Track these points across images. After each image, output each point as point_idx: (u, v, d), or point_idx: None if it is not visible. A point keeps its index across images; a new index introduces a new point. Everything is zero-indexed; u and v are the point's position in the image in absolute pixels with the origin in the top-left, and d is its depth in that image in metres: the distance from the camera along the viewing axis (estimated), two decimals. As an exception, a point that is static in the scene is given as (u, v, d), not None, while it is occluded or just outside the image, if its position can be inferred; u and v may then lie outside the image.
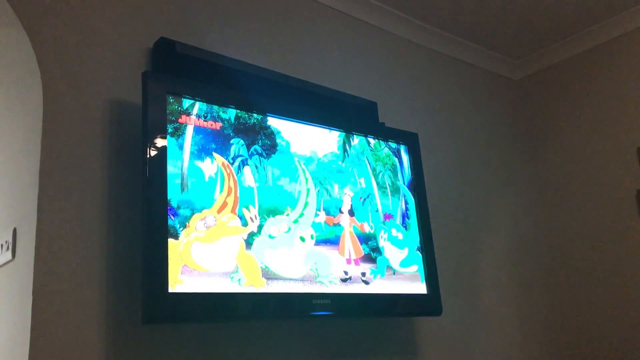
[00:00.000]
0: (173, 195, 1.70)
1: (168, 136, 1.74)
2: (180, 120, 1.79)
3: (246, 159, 1.91)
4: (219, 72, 2.04)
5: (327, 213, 2.06)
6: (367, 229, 2.17)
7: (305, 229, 1.98)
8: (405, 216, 2.31)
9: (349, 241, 2.09)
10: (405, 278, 2.22)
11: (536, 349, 2.90)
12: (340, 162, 2.18)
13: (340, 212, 2.11)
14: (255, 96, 2.04)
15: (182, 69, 1.94)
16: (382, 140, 2.36)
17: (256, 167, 1.93)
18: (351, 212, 2.14)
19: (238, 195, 1.85)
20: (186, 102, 1.82)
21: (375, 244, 2.17)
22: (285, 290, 1.85)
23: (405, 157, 2.41)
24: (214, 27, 2.18)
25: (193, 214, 1.72)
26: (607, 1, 2.88)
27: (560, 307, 3.05)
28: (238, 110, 1.94)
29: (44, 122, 1.68)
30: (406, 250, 2.26)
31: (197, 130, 1.82)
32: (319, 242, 2.00)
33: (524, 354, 2.84)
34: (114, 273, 1.68)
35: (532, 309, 2.98)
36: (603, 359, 2.86)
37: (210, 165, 1.81)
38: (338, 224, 2.08)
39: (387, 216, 2.26)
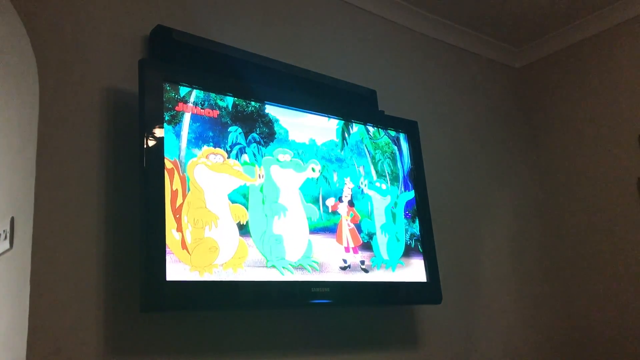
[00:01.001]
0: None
1: (165, 124, 1.73)
2: (177, 108, 1.78)
3: (244, 147, 1.90)
4: (217, 60, 2.02)
5: (326, 203, 2.05)
6: (365, 217, 2.16)
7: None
8: (407, 206, 2.31)
9: (346, 229, 2.08)
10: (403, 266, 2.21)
11: (537, 338, 2.90)
12: (339, 151, 2.17)
13: (340, 200, 2.10)
14: (253, 84, 2.03)
15: (179, 57, 1.93)
16: (381, 128, 2.34)
17: (254, 155, 1.92)
18: (351, 203, 2.13)
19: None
20: (183, 90, 1.81)
21: (373, 231, 2.16)
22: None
23: (404, 146, 2.40)
24: (212, 15, 2.17)
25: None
26: (608, -13, 2.87)
27: (561, 295, 3.05)
28: (236, 98, 1.93)
29: (41, 110, 1.67)
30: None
31: (194, 118, 1.81)
32: (315, 231, 1.99)
33: (525, 342, 2.84)
34: (111, 261, 1.68)
35: (533, 297, 2.97)
36: (604, 349, 2.86)
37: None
38: (336, 212, 2.07)
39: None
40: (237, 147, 1.89)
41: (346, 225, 2.08)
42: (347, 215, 2.10)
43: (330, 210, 2.05)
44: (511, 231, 3.01)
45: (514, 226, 3.04)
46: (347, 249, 2.06)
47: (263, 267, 1.81)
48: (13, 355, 1.54)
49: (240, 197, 1.84)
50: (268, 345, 1.93)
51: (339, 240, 2.05)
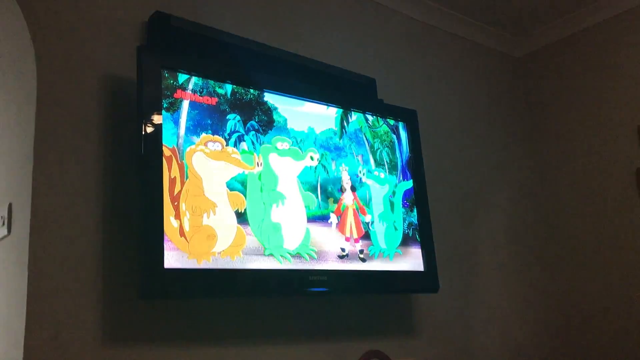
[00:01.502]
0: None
1: (163, 111, 1.72)
2: (175, 95, 1.77)
3: (242, 135, 1.90)
4: (215, 47, 2.01)
5: (325, 191, 2.05)
6: (364, 205, 2.16)
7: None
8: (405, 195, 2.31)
9: (351, 218, 2.08)
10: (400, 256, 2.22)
11: (533, 326, 2.91)
12: (338, 139, 2.17)
13: (342, 190, 2.10)
14: (252, 71, 2.02)
15: (177, 44, 1.92)
16: (380, 117, 2.34)
17: (252, 143, 1.91)
18: (353, 188, 2.13)
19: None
20: (182, 77, 1.80)
21: (372, 219, 2.16)
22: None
23: (403, 134, 2.39)
24: (210, 1, 2.15)
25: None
26: (610, -23, 2.85)
27: (558, 284, 3.06)
28: (234, 86, 1.92)
29: (38, 97, 1.66)
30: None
31: (193, 105, 1.80)
32: (313, 219, 1.99)
33: (521, 331, 2.85)
34: (110, 248, 1.68)
35: (530, 286, 2.98)
36: (601, 339, 2.88)
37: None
38: (343, 203, 2.08)
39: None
40: (236, 134, 1.88)
41: (352, 214, 2.08)
42: (353, 204, 2.11)
43: (338, 203, 2.05)
44: (509, 220, 3.02)
45: (512, 216, 3.04)
46: (347, 239, 2.06)
47: (261, 255, 1.82)
48: (11, 341, 1.55)
49: (238, 184, 1.84)
50: (265, 333, 1.94)
51: (342, 230, 2.05)
